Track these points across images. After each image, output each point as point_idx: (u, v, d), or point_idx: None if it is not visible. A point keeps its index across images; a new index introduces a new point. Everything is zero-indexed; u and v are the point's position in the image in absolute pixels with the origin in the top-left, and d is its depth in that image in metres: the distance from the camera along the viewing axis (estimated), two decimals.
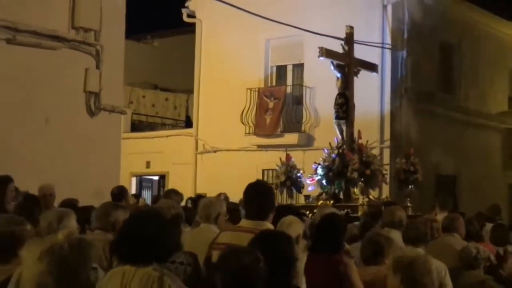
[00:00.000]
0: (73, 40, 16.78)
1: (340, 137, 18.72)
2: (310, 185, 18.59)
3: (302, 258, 7.77)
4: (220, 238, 7.90)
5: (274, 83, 27.18)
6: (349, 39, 19.19)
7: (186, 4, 28.47)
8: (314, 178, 18.50)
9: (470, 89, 28.44)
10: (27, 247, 4.90)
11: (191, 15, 28.65)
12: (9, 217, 7.53)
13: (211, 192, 18.32)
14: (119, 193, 14.08)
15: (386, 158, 23.10)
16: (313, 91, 24.53)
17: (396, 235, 10.32)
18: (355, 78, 19.28)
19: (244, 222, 7.92)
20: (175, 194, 13.88)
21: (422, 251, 9.63)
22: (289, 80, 26.81)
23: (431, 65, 26.43)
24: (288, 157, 19.58)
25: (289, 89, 26.42)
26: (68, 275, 4.48)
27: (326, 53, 18.54)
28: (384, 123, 24.55)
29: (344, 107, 18.62)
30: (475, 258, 9.94)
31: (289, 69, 26.73)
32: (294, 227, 8.39)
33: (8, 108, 15.29)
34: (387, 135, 24.42)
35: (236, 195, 18.23)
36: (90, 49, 17.14)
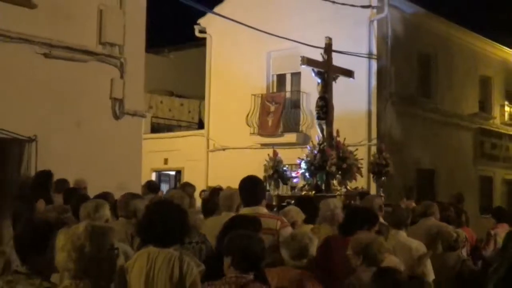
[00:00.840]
0: (100, 54, 16.91)
1: (321, 135, 18.58)
2: (295, 178, 18.68)
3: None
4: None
5: (275, 90, 27.39)
6: (327, 49, 18.89)
7: (198, 22, 28.61)
8: (298, 171, 18.66)
9: (445, 94, 28.61)
10: (58, 235, 4.75)
11: (202, 31, 28.86)
12: (57, 207, 7.91)
13: (221, 185, 18.60)
14: (154, 185, 14.62)
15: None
16: (308, 96, 24.60)
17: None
18: (335, 83, 19.13)
19: (244, 210, 8.35)
20: (189, 186, 14.24)
21: (403, 233, 10.08)
22: (288, 87, 26.99)
23: (411, 73, 26.69)
24: (275, 153, 19.59)
25: (288, 95, 26.62)
26: (86, 260, 4.48)
27: (307, 61, 18.51)
28: (371, 124, 24.76)
29: (324, 109, 18.34)
30: (455, 241, 10.21)
31: (288, 77, 26.95)
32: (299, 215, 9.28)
33: (47, 113, 15.50)
34: (374, 134, 24.61)
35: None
36: (115, 61, 17.25)
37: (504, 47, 33.05)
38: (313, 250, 7.39)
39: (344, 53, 22.88)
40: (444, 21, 28.25)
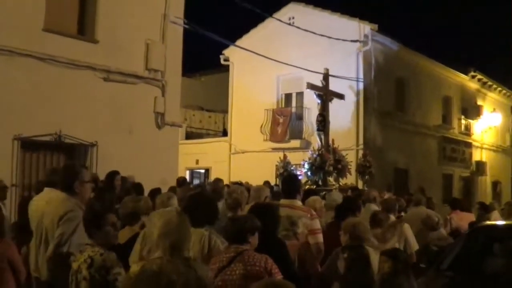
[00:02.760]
0: (146, 78, 16.95)
1: (320, 143, 19.24)
2: (300, 175, 18.56)
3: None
4: None
5: (283, 105, 27.29)
6: (325, 77, 19.79)
7: (223, 52, 28.71)
8: (302, 170, 19.15)
9: (416, 109, 28.55)
10: (151, 216, 5.14)
11: (226, 59, 28.89)
12: (132, 197, 7.93)
13: (241, 180, 18.60)
14: (183, 181, 14.64)
15: (360, 157, 23.41)
16: (310, 111, 24.57)
17: (373, 207, 11.13)
18: (330, 103, 19.80)
19: (283, 201, 8.37)
20: (219, 181, 14.31)
21: (393, 216, 10.45)
22: (294, 103, 26.97)
23: (390, 93, 26.61)
24: (285, 156, 20.66)
25: (293, 110, 26.58)
26: (171, 233, 4.61)
27: (311, 86, 19.37)
28: (359, 133, 24.76)
29: (323, 123, 19.20)
30: (437, 223, 11.00)
31: (293, 95, 26.82)
32: (318, 202, 9.31)
33: (105, 123, 15.60)
34: (361, 141, 24.58)
35: (258, 182, 18.72)
36: (158, 83, 17.26)
37: (461, 74, 33.05)
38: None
39: (338, 77, 22.94)
40: (415, 53, 28.24)
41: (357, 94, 24.82)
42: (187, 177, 25.36)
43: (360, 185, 20.68)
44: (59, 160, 15.03)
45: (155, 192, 10.42)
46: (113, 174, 11.69)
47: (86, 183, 6.58)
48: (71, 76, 14.95)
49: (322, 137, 19.25)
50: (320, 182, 18.11)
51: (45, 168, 14.59)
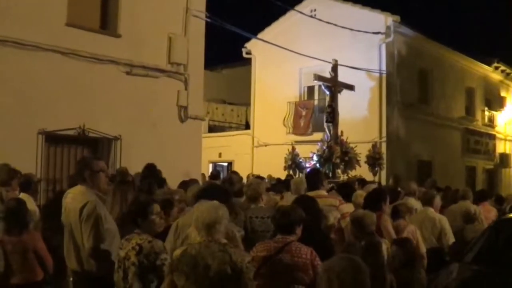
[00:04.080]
0: (169, 71, 16.94)
1: (328, 135, 19.19)
2: (309, 167, 18.80)
3: None
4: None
5: (305, 98, 27.26)
6: (334, 68, 19.61)
7: (245, 45, 28.69)
8: (311, 162, 19.11)
9: (439, 101, 28.42)
10: (198, 206, 5.60)
11: (248, 53, 28.87)
12: (167, 190, 8.02)
13: (264, 174, 18.58)
14: (217, 174, 14.68)
15: (384, 149, 23.35)
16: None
17: (412, 201, 11.09)
18: (340, 94, 19.77)
19: (308, 193, 8.77)
20: (235, 174, 14.36)
21: (431, 209, 10.32)
22: (316, 96, 26.91)
23: (413, 85, 26.54)
24: (293, 148, 21.03)
25: (316, 102, 26.55)
26: (209, 221, 5.07)
27: (319, 78, 19.50)
28: (382, 125, 24.62)
29: (331, 114, 19.10)
30: (474, 214, 10.75)
31: (316, 88, 26.71)
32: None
33: (129, 117, 15.60)
34: (384, 133, 24.46)
35: (281, 175, 18.70)
36: (181, 77, 17.23)
37: (484, 65, 32.84)
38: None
39: (360, 69, 22.87)
40: (438, 44, 28.01)
41: (380, 86, 24.70)
42: (210, 169, 25.33)
43: (379, 178, 20.62)
44: (83, 154, 15.08)
45: (186, 184, 10.45)
46: (152, 167, 11.72)
47: (97, 172, 6.69)
48: (94, 70, 14.99)
49: (331, 128, 19.23)
50: (330, 174, 18.05)
51: (69, 162, 14.74)
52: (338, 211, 8.44)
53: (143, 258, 5.59)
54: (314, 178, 9.42)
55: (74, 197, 6.61)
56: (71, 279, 6.87)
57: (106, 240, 6.32)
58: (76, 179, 6.78)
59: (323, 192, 9.11)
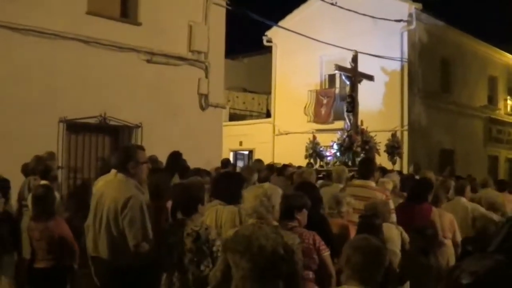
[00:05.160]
0: (190, 59, 16.95)
1: (349, 124, 19.18)
2: (329, 156, 19.21)
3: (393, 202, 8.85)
4: (347, 190, 8.91)
5: (326, 86, 27.04)
6: (354, 59, 19.58)
7: (265, 33, 28.53)
8: (331, 151, 19.16)
9: (461, 89, 28.07)
10: (249, 190, 5.61)
11: (269, 41, 28.65)
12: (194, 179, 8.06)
13: (285, 162, 18.52)
14: (227, 162, 14.65)
15: (405, 138, 23.23)
16: None
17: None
18: (359, 84, 19.74)
19: (357, 181, 9.22)
20: (258, 162, 14.33)
21: (464, 199, 10.18)
22: (337, 84, 26.74)
23: (435, 73, 26.23)
24: (314, 137, 20.96)
25: (337, 90, 26.39)
26: (262, 204, 5.25)
27: (339, 68, 19.59)
28: (404, 114, 24.39)
29: (352, 104, 19.15)
30: (498, 203, 10.33)
31: (337, 76, 26.48)
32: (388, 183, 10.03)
33: (150, 105, 15.63)
34: (405, 122, 24.28)
35: (302, 164, 18.66)
36: (201, 65, 17.24)
37: (507, 53, 32.56)
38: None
39: (381, 57, 22.73)
40: (461, 32, 27.65)
41: (402, 74, 24.49)
42: (231, 158, 25.34)
43: (401, 167, 20.54)
44: (104, 142, 15.18)
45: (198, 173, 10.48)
46: (178, 155, 11.72)
47: (141, 164, 6.47)
48: (115, 59, 15.02)
49: (351, 118, 19.22)
50: (349, 163, 18.02)
51: (90, 150, 14.80)
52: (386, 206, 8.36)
53: (201, 244, 5.73)
54: (365, 167, 9.38)
55: (112, 186, 6.39)
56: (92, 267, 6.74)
57: (151, 234, 6.16)
58: (115, 167, 6.50)
59: (371, 183, 9.07)
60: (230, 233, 5.21)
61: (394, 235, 7.67)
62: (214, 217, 6.49)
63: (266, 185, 5.64)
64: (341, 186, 9.86)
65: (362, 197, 8.54)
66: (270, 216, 5.30)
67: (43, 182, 9.38)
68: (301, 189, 7.12)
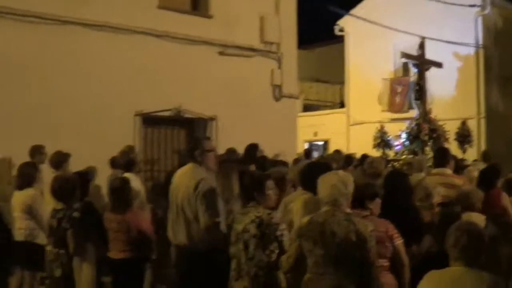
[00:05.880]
0: (262, 50, 16.93)
1: (417, 112, 18.94)
2: (398, 145, 18.87)
3: None
4: (427, 179, 8.88)
5: (401, 74, 26.69)
6: (421, 46, 19.22)
7: (337, 23, 28.30)
8: (400, 141, 18.82)
9: None
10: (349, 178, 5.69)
11: (341, 30, 28.45)
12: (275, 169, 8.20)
13: (359, 152, 18.37)
14: (310, 152, 14.66)
15: (483, 127, 22.75)
16: (428, 79, 24.02)
17: None
18: (428, 72, 19.38)
19: (434, 170, 9.52)
20: (338, 153, 14.28)
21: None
22: (412, 72, 26.41)
23: None
24: (382, 127, 21.33)
25: (411, 79, 26.02)
26: (335, 191, 5.34)
27: (405, 56, 19.45)
28: (480, 101, 23.94)
29: (419, 92, 18.86)
30: None
31: (410, 64, 26.31)
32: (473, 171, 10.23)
33: (223, 98, 15.63)
34: (482, 109, 23.81)
35: (377, 153, 18.48)
36: (274, 56, 17.20)
37: None
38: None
39: (456, 43, 22.35)
40: None
41: (477, 60, 24.00)
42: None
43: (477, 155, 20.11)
44: (179, 134, 15.30)
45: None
46: (254, 147, 11.73)
47: (207, 152, 6.85)
48: (187, 52, 15.11)
49: (420, 106, 18.93)
50: (420, 152, 17.76)
51: (166, 143, 14.96)
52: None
53: (265, 229, 5.85)
54: (441, 155, 9.64)
55: (185, 175, 6.81)
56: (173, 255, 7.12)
57: (221, 215, 6.54)
58: (186, 157, 6.99)
59: (448, 170, 9.19)
60: (304, 220, 5.39)
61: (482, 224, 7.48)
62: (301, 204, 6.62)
63: (341, 172, 5.78)
64: (422, 175, 9.83)
65: (446, 184, 8.64)
66: (345, 203, 5.37)
67: (126, 174, 9.52)
68: (390, 178, 7.33)
